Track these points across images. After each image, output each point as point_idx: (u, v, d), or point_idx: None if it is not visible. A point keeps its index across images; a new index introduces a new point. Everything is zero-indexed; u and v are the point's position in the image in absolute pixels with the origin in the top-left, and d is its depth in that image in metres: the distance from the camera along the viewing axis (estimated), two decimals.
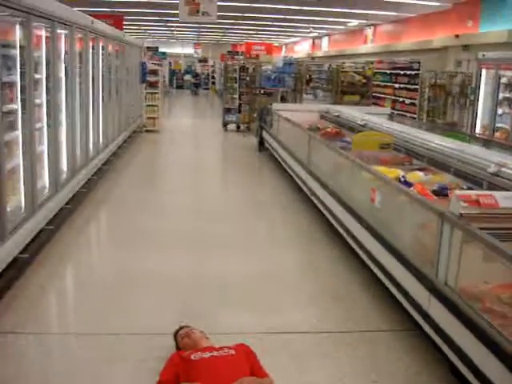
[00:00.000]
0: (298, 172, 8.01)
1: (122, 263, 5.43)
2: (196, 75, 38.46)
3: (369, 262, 4.77)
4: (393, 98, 18.61)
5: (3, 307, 4.28)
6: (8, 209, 4.74)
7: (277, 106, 11.21)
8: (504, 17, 13.96)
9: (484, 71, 12.62)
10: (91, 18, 7.90)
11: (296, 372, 3.57)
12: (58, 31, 6.18)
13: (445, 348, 3.29)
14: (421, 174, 5.47)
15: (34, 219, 5.30)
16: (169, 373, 3.17)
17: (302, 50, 37.79)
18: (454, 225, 3.23)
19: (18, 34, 4.99)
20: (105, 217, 7.38)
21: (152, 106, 15.06)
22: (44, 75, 5.86)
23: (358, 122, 8.54)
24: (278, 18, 23.25)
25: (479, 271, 3.28)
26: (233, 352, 3.26)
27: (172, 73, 39.26)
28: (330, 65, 15.80)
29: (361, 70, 14.27)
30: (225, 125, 15.81)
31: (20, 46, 5.01)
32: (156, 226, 6.63)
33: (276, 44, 44.90)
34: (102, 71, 9.10)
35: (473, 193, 3.35)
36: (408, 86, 17.36)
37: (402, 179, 4.96)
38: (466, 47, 15.18)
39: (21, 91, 5.03)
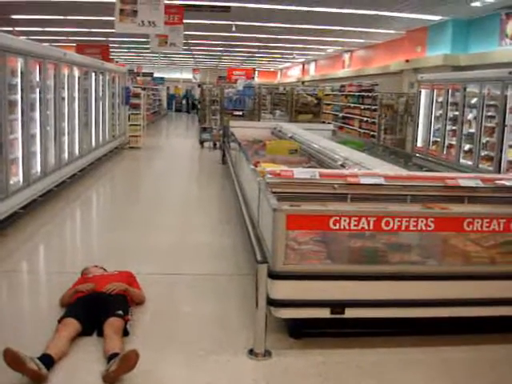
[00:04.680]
0: (232, 174, 9.78)
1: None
2: (194, 100, 39.78)
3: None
4: (359, 117, 20.38)
5: None
6: (11, 182, 7.10)
7: (234, 123, 12.91)
8: (443, 43, 15.74)
9: (423, 91, 14.31)
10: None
11: None
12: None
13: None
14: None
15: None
16: (73, 286, 4.85)
17: (293, 74, 39.80)
18: (261, 189, 4.93)
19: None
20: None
21: (135, 125, 16.86)
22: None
23: (289, 135, 10.27)
24: (260, 46, 25.21)
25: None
26: (116, 273, 4.97)
27: (171, 97, 41.30)
28: (285, 88, 17.63)
29: (312, 92, 15.97)
30: (201, 142, 17.56)
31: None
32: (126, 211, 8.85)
33: (272, 69, 47.03)
34: (79, 94, 10.90)
35: (278, 169, 5.04)
36: (370, 107, 19.12)
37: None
38: (416, 70, 16.94)
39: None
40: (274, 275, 4.02)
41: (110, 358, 3.71)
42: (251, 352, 4.04)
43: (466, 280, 4.35)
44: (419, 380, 3.84)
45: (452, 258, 4.65)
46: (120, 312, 4.28)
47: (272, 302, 4.07)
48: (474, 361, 4.16)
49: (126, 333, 4.24)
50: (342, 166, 6.33)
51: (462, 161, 11.88)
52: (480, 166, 10.96)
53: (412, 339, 4.38)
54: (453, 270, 4.44)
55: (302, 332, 4.35)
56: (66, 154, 10.14)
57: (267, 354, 4.04)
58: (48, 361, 3.68)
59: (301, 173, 4.96)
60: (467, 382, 3.87)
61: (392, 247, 4.41)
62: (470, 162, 11.45)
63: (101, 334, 4.16)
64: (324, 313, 4.13)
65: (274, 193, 4.66)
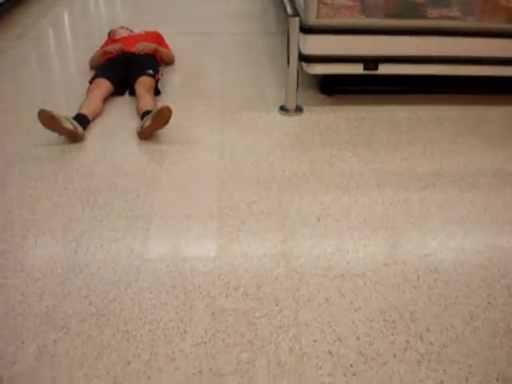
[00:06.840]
0: None
1: None
2: None
3: None
4: None
5: None
6: None
7: None
8: None
9: None
10: None
11: None
12: None
13: None
14: None
15: None
16: (101, 48, 4.77)
17: None
18: None
19: None
20: None
21: None
22: None
23: None
24: None
25: None
26: (144, 33, 4.86)
27: None
28: None
29: None
30: None
31: None
32: None
33: None
34: None
35: None
36: None
37: None
38: None
39: None
40: (306, 29, 3.86)
41: (144, 115, 3.75)
42: (282, 108, 4.05)
43: (507, 38, 4.13)
44: (452, 133, 3.82)
45: (493, 14, 4.38)
46: (150, 71, 4.25)
47: (304, 58, 3.97)
48: (509, 120, 4.11)
49: (157, 92, 4.25)
50: None
51: None
52: None
53: (449, 97, 4.30)
54: (493, 26, 4.19)
55: (333, 88, 4.32)
56: None
57: (298, 110, 4.05)
58: (83, 120, 3.72)
59: None
60: (497, 135, 3.84)
61: (431, 1, 4.16)
62: None
63: (133, 93, 4.17)
64: (357, 69, 4.03)
65: None
